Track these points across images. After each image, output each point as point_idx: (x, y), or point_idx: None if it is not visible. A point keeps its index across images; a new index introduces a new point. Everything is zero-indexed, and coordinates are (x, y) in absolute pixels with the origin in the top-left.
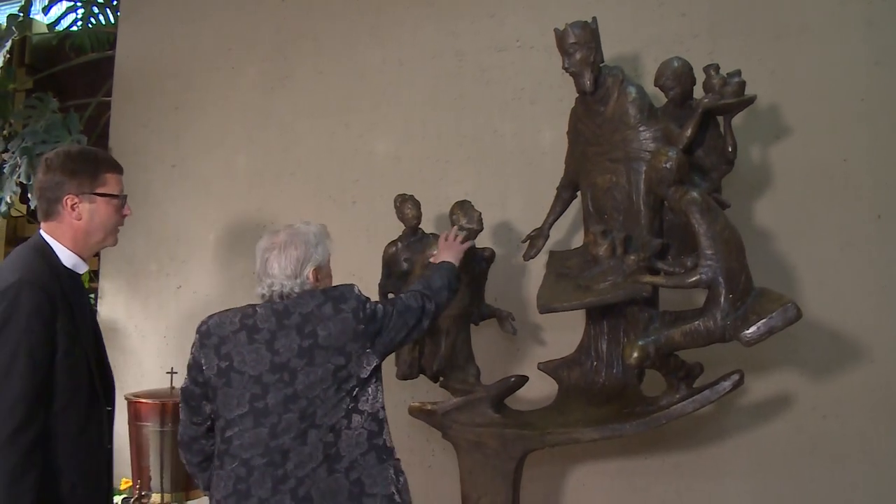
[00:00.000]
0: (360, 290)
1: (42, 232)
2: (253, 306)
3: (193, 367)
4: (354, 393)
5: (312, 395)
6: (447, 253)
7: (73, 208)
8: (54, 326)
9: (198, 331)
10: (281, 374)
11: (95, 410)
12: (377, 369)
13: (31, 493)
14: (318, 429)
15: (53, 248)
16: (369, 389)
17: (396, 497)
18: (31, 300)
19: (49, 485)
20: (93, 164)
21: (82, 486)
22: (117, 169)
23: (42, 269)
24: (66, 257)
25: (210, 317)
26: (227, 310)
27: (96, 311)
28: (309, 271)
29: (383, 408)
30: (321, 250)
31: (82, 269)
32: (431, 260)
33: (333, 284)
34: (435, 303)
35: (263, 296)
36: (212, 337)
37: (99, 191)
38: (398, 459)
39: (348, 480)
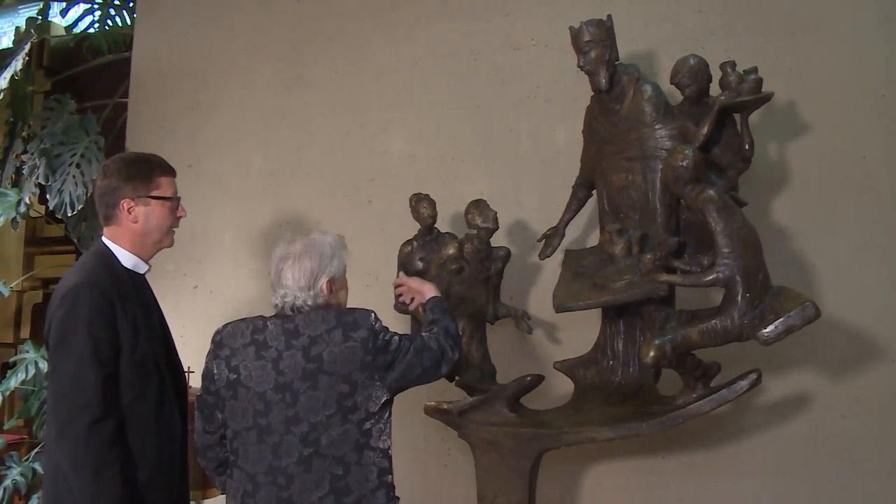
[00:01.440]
0: (376, 318)
1: (103, 237)
2: (265, 320)
3: (206, 377)
4: (365, 427)
5: (315, 420)
6: (427, 288)
7: (129, 212)
8: (116, 325)
9: (212, 340)
10: (284, 394)
11: (167, 404)
12: (388, 404)
13: (117, 483)
14: (323, 458)
15: (113, 250)
16: (381, 425)
17: None
18: (89, 301)
19: (128, 474)
20: (147, 168)
21: (158, 476)
22: (170, 172)
23: (100, 272)
24: (126, 259)
25: (224, 326)
26: (241, 319)
27: None
28: (323, 283)
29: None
30: (336, 262)
31: (143, 269)
32: (409, 301)
33: (349, 290)
34: (458, 351)
35: (276, 306)
36: (224, 348)
37: (153, 194)
38: (398, 498)
39: None
